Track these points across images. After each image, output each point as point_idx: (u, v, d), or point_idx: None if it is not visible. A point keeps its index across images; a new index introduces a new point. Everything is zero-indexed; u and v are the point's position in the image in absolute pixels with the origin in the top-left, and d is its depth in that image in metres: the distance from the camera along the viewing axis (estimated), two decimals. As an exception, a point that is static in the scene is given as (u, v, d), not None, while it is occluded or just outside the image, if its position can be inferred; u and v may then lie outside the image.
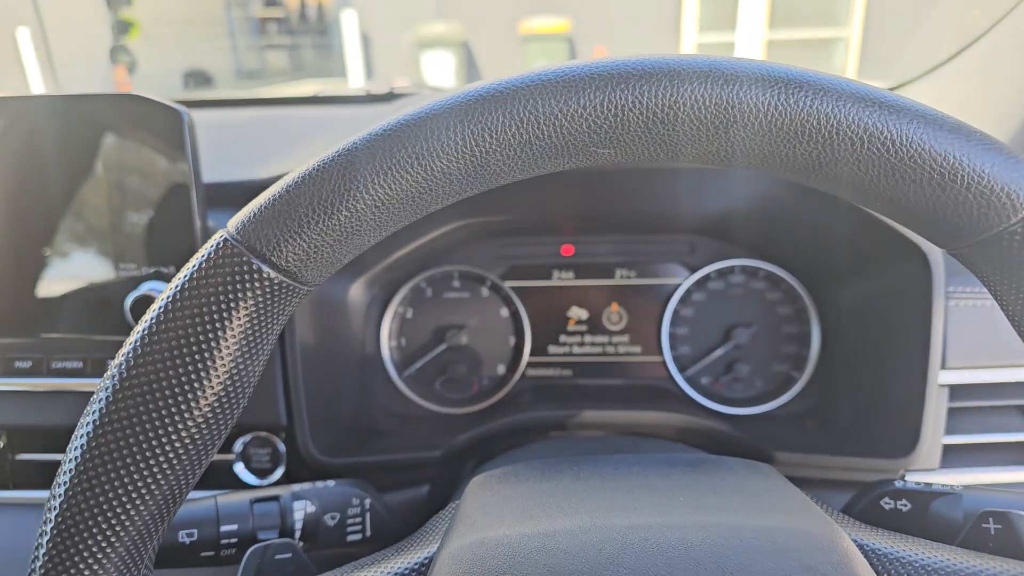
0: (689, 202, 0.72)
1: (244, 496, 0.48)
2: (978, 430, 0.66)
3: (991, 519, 0.40)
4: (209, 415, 0.29)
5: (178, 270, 0.60)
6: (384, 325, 0.78)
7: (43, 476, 0.66)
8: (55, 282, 0.62)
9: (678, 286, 0.78)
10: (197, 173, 0.59)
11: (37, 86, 6.20)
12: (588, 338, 0.80)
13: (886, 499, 0.49)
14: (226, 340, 0.29)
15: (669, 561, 0.29)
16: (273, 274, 0.29)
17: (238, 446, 0.66)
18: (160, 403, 0.28)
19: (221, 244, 0.29)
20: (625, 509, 0.34)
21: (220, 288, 0.29)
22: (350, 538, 0.50)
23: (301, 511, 0.48)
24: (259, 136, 0.86)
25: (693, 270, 0.78)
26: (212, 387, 0.29)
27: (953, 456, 0.66)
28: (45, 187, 0.61)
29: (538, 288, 0.79)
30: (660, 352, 0.78)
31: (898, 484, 0.49)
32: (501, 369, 0.80)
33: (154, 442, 0.29)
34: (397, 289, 0.78)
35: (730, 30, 6.52)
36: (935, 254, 0.62)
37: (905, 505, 0.48)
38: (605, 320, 0.79)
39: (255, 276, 0.29)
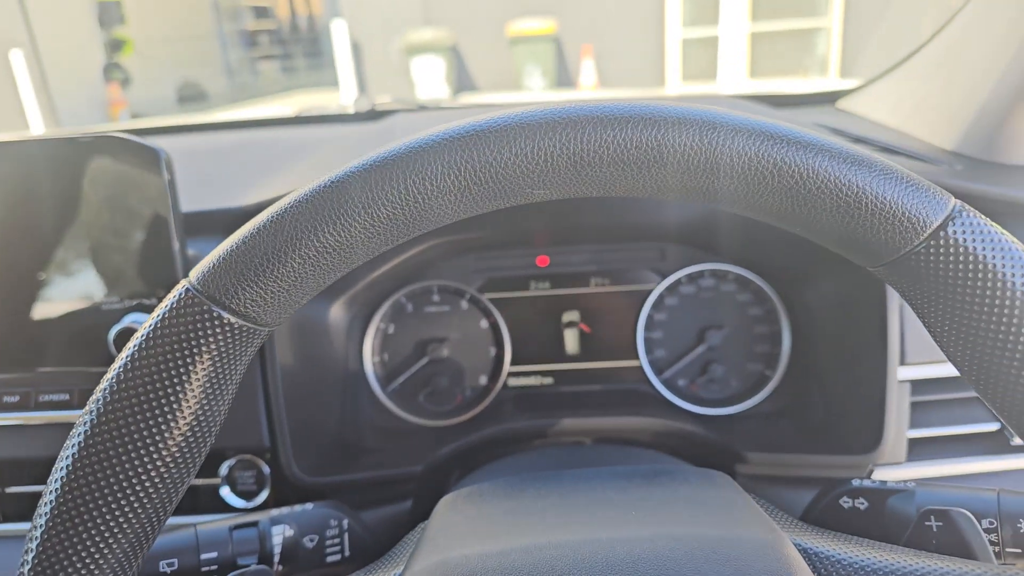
0: (657, 212, 0.74)
1: (223, 523, 0.50)
2: (943, 423, 0.68)
3: (932, 517, 0.42)
4: (177, 454, 0.32)
5: (159, 301, 0.63)
6: (367, 341, 0.80)
7: (33, 508, 0.68)
8: (42, 317, 0.64)
9: (650, 291, 0.80)
10: (175, 206, 0.62)
11: (31, 105, 6.24)
12: (567, 346, 0.82)
13: (844, 498, 0.51)
14: (190, 383, 0.31)
15: (615, 574, 0.32)
16: (232, 319, 0.31)
17: (223, 470, 0.68)
18: (131, 442, 0.31)
19: (183, 294, 0.31)
20: (580, 525, 0.37)
21: (183, 335, 0.31)
22: (329, 559, 0.52)
23: (280, 535, 0.50)
24: (243, 160, 0.88)
25: (664, 276, 0.80)
26: (179, 427, 0.31)
27: (920, 449, 0.67)
28: (31, 225, 0.63)
29: (516, 299, 0.81)
30: (636, 356, 0.80)
31: (855, 483, 0.51)
32: (483, 380, 0.82)
33: (127, 478, 0.31)
34: (378, 306, 0.81)
35: (713, 24, 6.54)
36: None
37: (862, 503, 0.50)
38: (583, 327, 0.81)
39: (216, 322, 0.31)
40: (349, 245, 0.32)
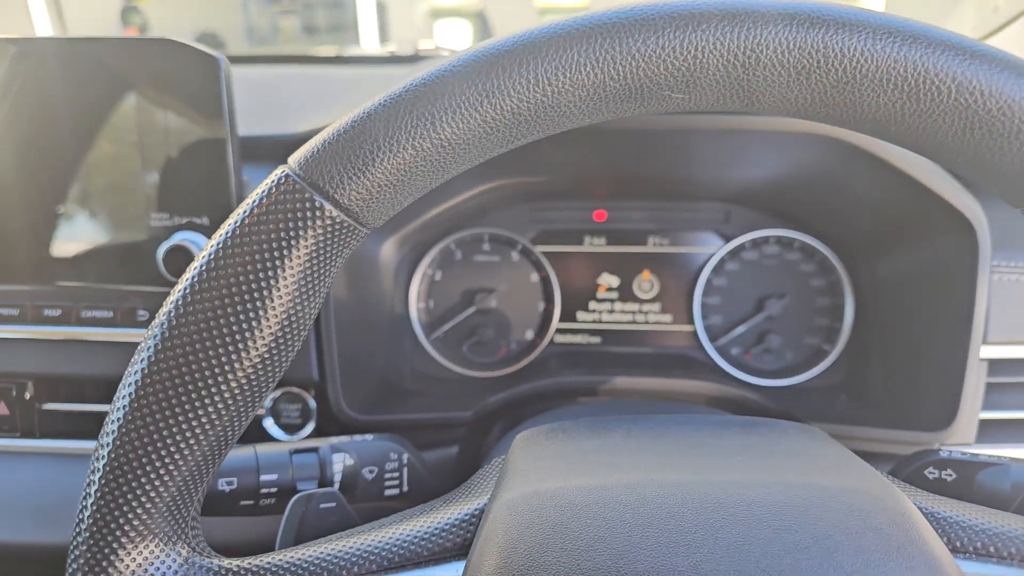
0: (725, 169, 0.70)
1: (283, 447, 0.48)
2: (1016, 406, 0.65)
3: None
4: (265, 357, 0.29)
5: (212, 221, 0.59)
6: (413, 286, 0.78)
7: (70, 425, 0.66)
8: (84, 231, 0.61)
9: (711, 255, 0.77)
10: (233, 124, 0.58)
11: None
12: (618, 305, 0.79)
13: (930, 469, 0.48)
14: (285, 280, 0.28)
15: (729, 517, 0.29)
16: (335, 212, 0.28)
17: (268, 401, 0.66)
18: (214, 345, 0.28)
19: (283, 179, 0.28)
20: (681, 466, 0.34)
21: (281, 225, 0.28)
22: (387, 492, 0.50)
23: (340, 463, 0.48)
24: (289, 92, 0.85)
25: (727, 239, 0.76)
26: (269, 328, 0.28)
27: (990, 431, 0.65)
28: (74, 134, 0.60)
29: (569, 253, 0.78)
30: (691, 321, 0.77)
31: (943, 454, 0.48)
32: (529, 334, 0.79)
33: (205, 387, 0.28)
34: (427, 250, 0.78)
35: None
36: (982, 225, 0.60)
37: (950, 475, 0.47)
38: (636, 288, 0.78)
39: (317, 214, 0.28)
40: (466, 140, 0.28)
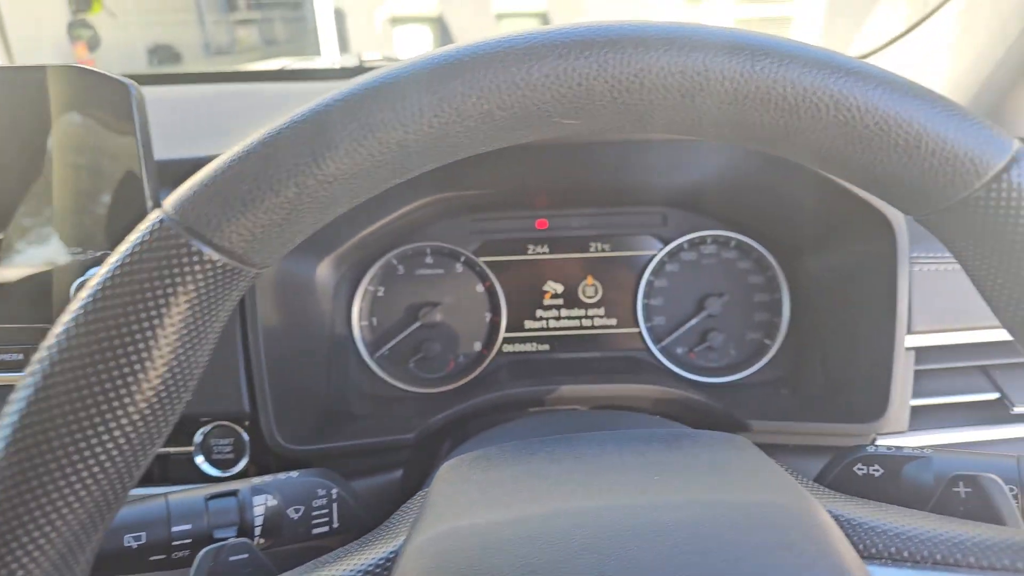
0: (660, 174, 0.71)
1: (199, 493, 0.46)
2: (945, 392, 0.68)
3: (961, 483, 0.40)
4: (147, 411, 0.27)
5: None
6: (355, 304, 0.77)
7: None
8: None
9: (651, 258, 0.77)
10: (147, 149, 0.57)
11: (-4, 67, 5.96)
12: (564, 312, 0.79)
13: (859, 465, 0.49)
14: (164, 329, 0.27)
15: (644, 543, 0.29)
16: (216, 256, 0.27)
17: (198, 437, 0.64)
18: (91, 398, 0.26)
19: (157, 225, 0.27)
20: (599, 491, 0.34)
21: (156, 273, 0.27)
22: (316, 531, 0.48)
23: (262, 505, 0.46)
24: (224, 112, 0.83)
25: (666, 242, 0.77)
26: (149, 380, 0.27)
27: (921, 418, 0.67)
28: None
29: (513, 263, 0.78)
30: (636, 324, 0.78)
31: (870, 449, 0.49)
32: (477, 346, 0.79)
33: (85, 441, 0.26)
34: (368, 267, 0.77)
35: (696, 3, 6.48)
36: (899, 221, 0.62)
37: (877, 470, 0.48)
38: (581, 293, 0.79)
39: (195, 259, 0.27)
40: (353, 175, 0.28)
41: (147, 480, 0.66)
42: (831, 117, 0.27)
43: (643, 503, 0.32)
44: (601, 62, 0.27)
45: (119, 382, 0.26)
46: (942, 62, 0.80)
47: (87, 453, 0.26)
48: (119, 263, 0.27)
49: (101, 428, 0.26)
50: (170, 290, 0.27)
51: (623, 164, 0.70)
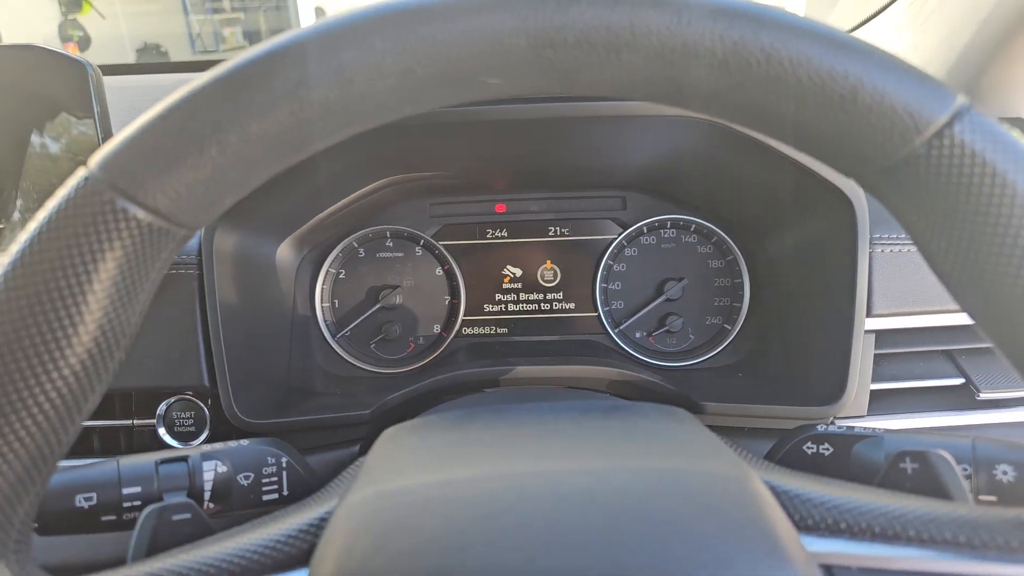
0: (617, 156, 0.71)
1: (149, 457, 0.46)
2: (907, 377, 0.66)
3: (908, 459, 0.39)
4: (78, 369, 0.27)
5: None
6: (317, 286, 0.77)
7: None
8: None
9: (611, 242, 0.78)
10: (106, 130, 0.57)
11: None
12: (523, 295, 0.79)
13: (808, 444, 0.48)
14: (92, 288, 0.27)
15: (568, 507, 0.29)
16: (143, 215, 0.27)
17: (161, 409, 0.65)
18: (21, 356, 0.26)
19: (82, 184, 0.26)
20: (530, 456, 0.34)
21: (83, 230, 0.26)
22: (266, 498, 0.48)
23: (211, 471, 0.46)
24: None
25: (625, 226, 0.78)
26: (80, 338, 0.27)
27: (881, 402, 0.66)
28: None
29: (472, 246, 0.79)
30: (594, 307, 0.79)
31: (820, 428, 0.49)
32: (437, 328, 0.79)
33: (17, 395, 0.26)
34: (329, 249, 0.77)
35: None
36: (860, 200, 0.61)
37: (827, 449, 0.48)
38: (539, 277, 0.79)
39: (120, 217, 0.26)
40: (278, 135, 0.27)
41: (111, 452, 0.66)
42: (762, 72, 0.26)
43: (572, 468, 0.32)
44: (523, 17, 0.26)
45: (50, 340, 0.26)
46: (915, 39, 0.79)
47: (19, 407, 0.27)
48: (45, 222, 0.27)
49: (34, 385, 0.27)
50: (96, 247, 0.26)
51: (579, 145, 0.70)
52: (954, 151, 0.25)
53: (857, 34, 0.92)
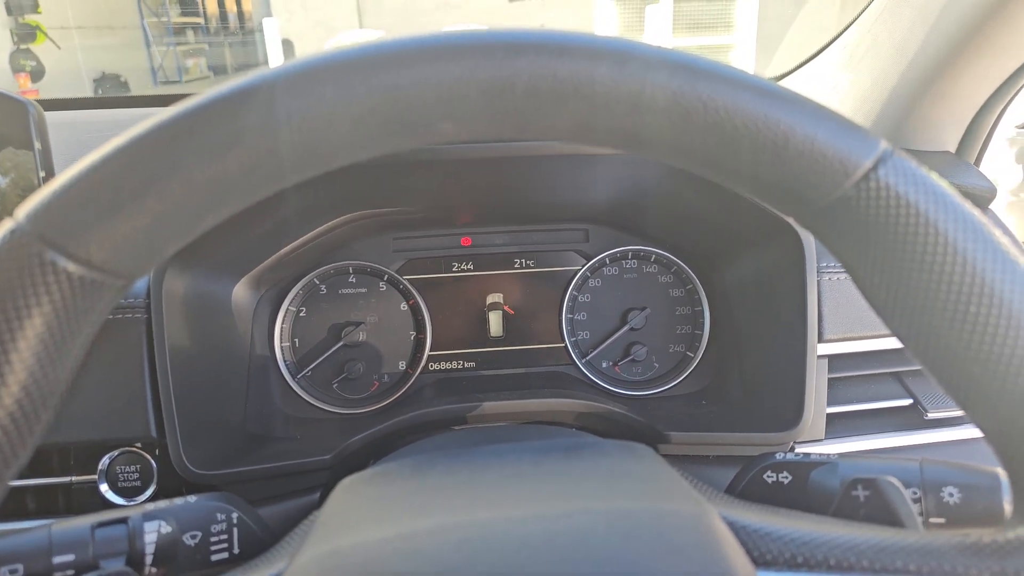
0: (579, 191, 0.72)
1: (85, 521, 0.43)
2: (859, 399, 0.69)
3: (860, 486, 0.40)
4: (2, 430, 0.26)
5: None
6: (276, 325, 0.75)
7: None
8: None
9: (575, 273, 0.78)
10: (47, 167, 0.56)
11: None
12: (489, 328, 0.79)
13: (768, 472, 0.49)
14: (16, 347, 0.25)
15: (532, 554, 0.28)
16: (73, 267, 0.26)
17: (103, 464, 0.61)
18: None
19: (7, 237, 0.25)
20: (492, 503, 0.33)
21: (6, 286, 0.25)
22: (215, 557, 0.45)
23: (154, 532, 0.43)
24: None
25: (588, 258, 0.79)
26: (0, 401, 0.26)
27: (838, 426, 0.68)
28: None
29: (437, 280, 0.78)
30: (561, 338, 0.79)
31: (778, 457, 0.50)
32: (402, 365, 0.78)
33: None
34: (289, 287, 0.76)
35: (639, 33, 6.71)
36: (807, 233, 0.64)
37: (786, 477, 0.49)
38: (506, 309, 0.79)
39: (49, 270, 0.25)
40: (223, 181, 0.27)
41: (50, 512, 0.62)
42: (701, 120, 0.28)
43: (531, 513, 0.32)
44: (472, 67, 0.27)
45: None
46: (851, 78, 0.84)
47: None
48: None
49: None
50: (21, 303, 0.25)
51: (545, 182, 0.71)
52: (880, 192, 0.28)
53: (799, 72, 0.96)
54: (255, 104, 0.26)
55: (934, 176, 0.28)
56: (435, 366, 0.78)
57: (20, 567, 0.40)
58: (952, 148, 0.81)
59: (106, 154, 0.26)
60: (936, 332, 0.28)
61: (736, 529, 0.33)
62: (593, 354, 0.79)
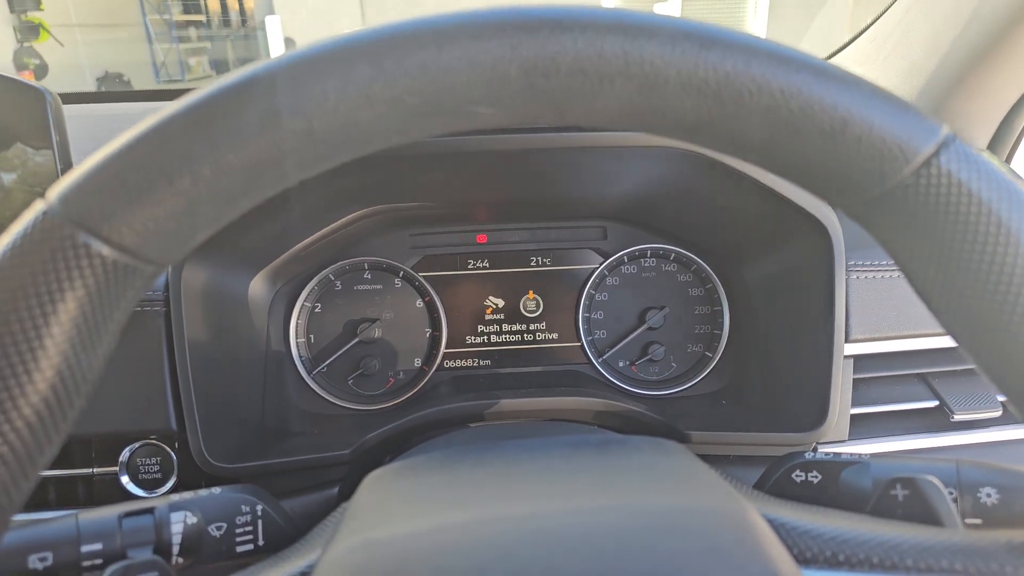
0: (598, 187, 0.71)
1: (112, 511, 0.43)
2: (884, 400, 0.68)
3: (899, 485, 0.40)
4: (34, 419, 0.25)
5: None
6: (292, 320, 0.75)
7: None
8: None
9: (592, 271, 0.78)
10: (65, 158, 0.55)
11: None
12: (506, 326, 0.78)
13: (797, 471, 0.48)
14: (50, 331, 0.25)
15: (568, 549, 0.27)
16: (107, 251, 0.25)
17: (124, 456, 0.61)
18: None
19: (40, 218, 0.25)
20: (524, 497, 0.33)
21: (40, 269, 0.24)
22: (240, 548, 0.46)
23: (180, 523, 0.43)
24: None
25: (606, 256, 0.78)
26: (35, 387, 0.25)
27: (861, 426, 0.67)
28: None
29: (453, 277, 0.78)
30: (577, 337, 0.78)
31: (808, 456, 0.49)
32: (417, 362, 0.77)
33: None
34: (305, 283, 0.75)
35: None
36: (835, 227, 0.62)
37: (816, 476, 0.48)
38: (522, 308, 0.78)
39: (83, 254, 0.25)
40: (256, 165, 0.26)
41: (70, 503, 0.62)
42: (754, 102, 0.26)
43: (568, 508, 0.31)
44: (515, 44, 0.25)
45: (0, 386, 0.24)
46: (878, 74, 0.83)
47: None
48: None
49: None
50: (55, 287, 0.25)
51: (562, 177, 0.70)
52: (941, 180, 0.26)
53: (834, 60, 0.96)
54: (290, 83, 0.26)
55: (999, 164, 0.27)
56: (450, 363, 0.78)
57: (49, 555, 0.40)
58: (983, 146, 0.80)
59: (138, 135, 0.25)
60: (993, 329, 0.27)
61: (775, 527, 0.33)
62: (610, 353, 0.78)
